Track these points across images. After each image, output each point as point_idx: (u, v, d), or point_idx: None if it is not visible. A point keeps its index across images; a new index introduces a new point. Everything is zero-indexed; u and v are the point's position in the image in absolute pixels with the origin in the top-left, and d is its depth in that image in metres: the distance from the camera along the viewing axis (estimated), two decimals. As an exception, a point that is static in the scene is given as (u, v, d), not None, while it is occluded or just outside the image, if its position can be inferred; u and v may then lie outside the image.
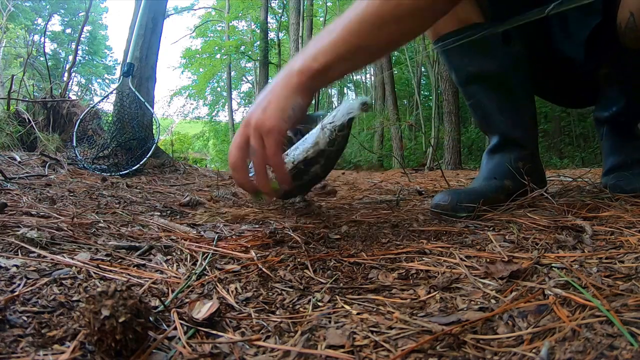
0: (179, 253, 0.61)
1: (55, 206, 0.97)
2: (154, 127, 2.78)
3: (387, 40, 0.64)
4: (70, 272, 0.48)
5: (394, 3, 0.60)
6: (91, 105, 2.84)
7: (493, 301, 0.41)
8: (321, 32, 0.65)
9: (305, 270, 0.54)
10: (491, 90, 0.96)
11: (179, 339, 0.35)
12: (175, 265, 0.56)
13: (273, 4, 15.30)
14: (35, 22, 18.55)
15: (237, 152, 0.63)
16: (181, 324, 0.37)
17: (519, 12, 0.82)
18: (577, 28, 0.95)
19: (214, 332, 0.36)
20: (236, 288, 0.48)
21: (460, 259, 0.54)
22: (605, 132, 1.08)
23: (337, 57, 0.62)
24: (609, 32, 0.86)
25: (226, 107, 18.30)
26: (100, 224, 0.78)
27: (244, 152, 0.63)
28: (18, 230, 0.64)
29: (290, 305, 0.43)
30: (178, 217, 0.97)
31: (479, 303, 0.40)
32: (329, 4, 15.69)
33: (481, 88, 0.97)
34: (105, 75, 23.88)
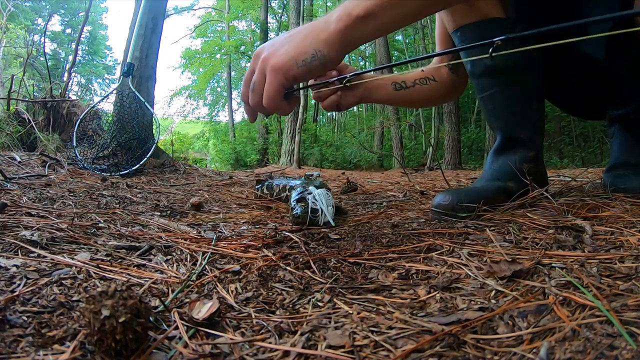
0: (179, 253, 0.61)
1: (55, 206, 0.97)
2: (154, 127, 2.78)
3: None
4: (70, 272, 0.48)
5: None
6: (91, 105, 2.84)
7: (493, 301, 0.41)
8: None
9: (305, 270, 0.54)
10: (506, 85, 0.95)
11: (179, 338, 0.35)
12: (175, 265, 0.56)
13: (273, 4, 15.31)
14: (35, 22, 18.55)
15: (243, 86, 0.63)
16: (182, 323, 0.37)
17: (544, 12, 0.80)
18: (596, 28, 0.93)
19: (214, 332, 0.36)
20: (236, 288, 0.48)
21: (461, 259, 0.54)
22: (616, 130, 1.08)
23: (381, 3, 0.55)
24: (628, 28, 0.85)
25: (226, 107, 18.29)
26: (100, 224, 0.78)
27: (247, 86, 0.61)
28: (18, 231, 0.64)
29: (290, 305, 0.43)
30: (178, 217, 0.97)
31: (479, 303, 0.40)
32: (329, 4, 15.69)
33: (496, 82, 0.96)
34: (105, 75, 23.90)
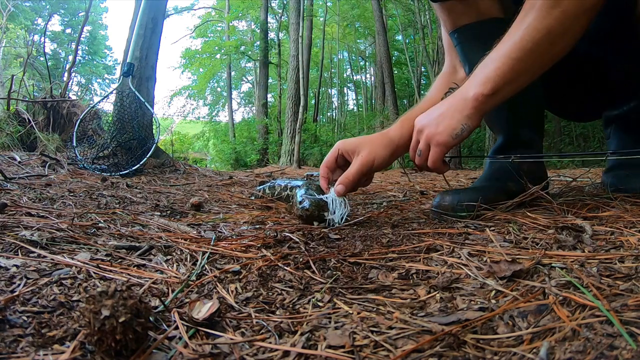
0: (179, 253, 0.61)
1: (55, 206, 0.97)
2: (154, 127, 2.78)
3: (546, 61, 0.72)
4: (70, 272, 0.48)
5: (544, 31, 0.67)
6: (91, 105, 2.84)
7: (493, 301, 0.41)
8: (485, 59, 0.75)
9: (305, 270, 0.54)
10: None
11: (179, 338, 0.35)
12: (175, 265, 0.56)
13: (273, 4, 15.29)
14: (35, 22, 18.56)
15: (411, 151, 0.84)
16: (182, 323, 0.37)
17: None
18: (594, 30, 0.91)
19: (214, 332, 0.36)
20: (236, 288, 0.48)
21: (461, 259, 0.54)
22: (613, 131, 1.07)
23: (502, 82, 0.71)
24: (626, 30, 0.85)
25: (226, 107, 18.28)
26: (100, 224, 0.78)
27: (414, 152, 0.82)
28: (18, 231, 0.64)
29: (290, 305, 0.43)
30: (178, 217, 0.97)
31: (479, 303, 0.40)
32: (329, 4, 15.67)
33: None
34: (105, 75, 23.91)
